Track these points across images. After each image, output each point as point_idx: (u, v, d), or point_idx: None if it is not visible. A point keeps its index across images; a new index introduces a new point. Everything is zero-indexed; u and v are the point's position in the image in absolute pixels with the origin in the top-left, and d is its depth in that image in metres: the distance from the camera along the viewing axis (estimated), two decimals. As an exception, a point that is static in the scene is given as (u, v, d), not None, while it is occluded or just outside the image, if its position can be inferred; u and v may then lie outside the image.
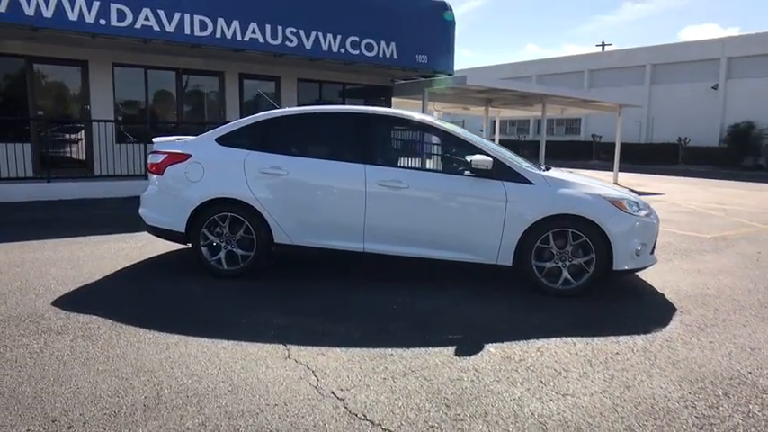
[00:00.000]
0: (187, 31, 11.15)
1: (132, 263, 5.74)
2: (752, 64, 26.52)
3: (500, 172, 4.80)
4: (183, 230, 5.20)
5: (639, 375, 3.29)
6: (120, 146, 12.16)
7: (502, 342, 3.76)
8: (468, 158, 4.73)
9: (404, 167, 5.10)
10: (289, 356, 3.43)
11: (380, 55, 13.71)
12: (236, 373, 3.17)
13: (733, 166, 25.63)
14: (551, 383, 3.16)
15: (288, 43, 12.38)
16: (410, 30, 14.03)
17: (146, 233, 7.12)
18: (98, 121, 11.91)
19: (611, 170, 20.17)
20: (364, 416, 2.74)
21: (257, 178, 5.04)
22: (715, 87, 27.85)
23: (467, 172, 4.88)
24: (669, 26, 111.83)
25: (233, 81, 14.30)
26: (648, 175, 22.59)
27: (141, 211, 5.52)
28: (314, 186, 5.06)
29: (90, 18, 10.21)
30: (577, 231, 4.71)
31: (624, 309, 4.62)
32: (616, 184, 15.69)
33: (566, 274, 4.78)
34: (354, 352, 3.53)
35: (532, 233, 4.74)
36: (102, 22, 10.32)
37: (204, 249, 5.17)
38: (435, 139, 5.39)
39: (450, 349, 3.61)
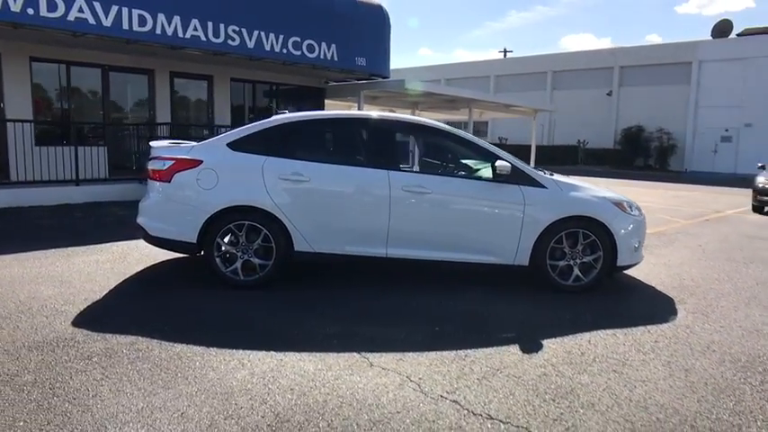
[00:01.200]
0: (125, 26, 10.41)
1: (125, 277, 5.34)
2: (640, 73, 29.49)
3: (517, 177, 5.07)
4: (195, 241, 4.95)
5: (689, 360, 3.68)
6: (41, 148, 11.08)
7: (553, 337, 4.02)
8: (494, 164, 4.96)
9: (426, 173, 5.23)
10: (372, 364, 3.44)
11: (321, 56, 13.64)
12: (333, 384, 3.14)
13: (627, 166, 28.32)
14: (623, 372, 3.45)
15: (230, 42, 11.94)
16: (349, 32, 14.08)
17: (113, 244, 6.71)
18: (14, 120, 10.76)
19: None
20: (489, 415, 2.85)
21: (277, 185, 4.92)
22: (609, 94, 30.61)
23: (484, 176, 5.11)
24: (551, 34, 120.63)
25: (164, 79, 13.54)
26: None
27: (142, 221, 5.16)
28: (337, 193, 5.03)
29: (16, 7, 9.22)
30: (588, 231, 5.10)
31: (632, 301, 5.10)
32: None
33: (576, 271, 5.15)
34: (430, 356, 3.61)
35: (547, 234, 5.06)
36: (30, 11, 9.36)
37: (218, 260, 4.95)
38: (452, 145, 5.55)
39: (515, 347, 3.80)
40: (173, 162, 4.99)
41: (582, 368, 3.49)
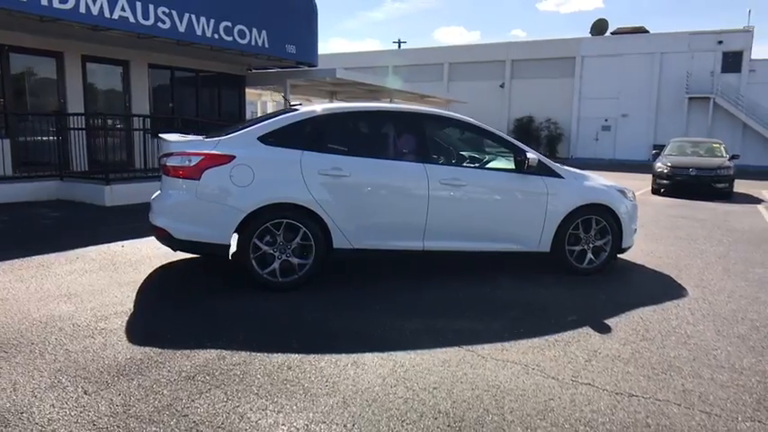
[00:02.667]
0: (43, 2, 9.22)
1: (136, 285, 4.86)
2: (530, 66, 31.71)
3: (540, 168, 5.35)
4: (229, 242, 4.64)
5: (734, 328, 4.19)
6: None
7: (611, 317, 4.35)
8: (523, 156, 5.18)
9: (460, 166, 5.32)
10: (483, 357, 3.51)
11: (252, 43, 13.09)
12: (466, 378, 3.18)
13: (520, 153, 30.46)
14: (693, 343, 3.86)
15: (160, 24, 11.07)
16: (280, 19, 13.65)
17: (83, 250, 6.07)
18: None
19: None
20: (629, 393, 3.07)
21: (316, 180, 4.74)
22: (502, 86, 32.57)
23: (506, 167, 5.33)
24: (425, 26, 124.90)
25: (74, 64, 12.17)
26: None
27: (163, 222, 4.70)
28: (378, 187, 4.96)
29: None
30: (600, 218, 5.52)
31: (641, 279, 5.64)
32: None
33: (590, 255, 5.58)
34: (524, 343, 3.76)
35: (567, 221, 5.41)
36: (-72, -20, 7.98)
37: (254, 262, 4.68)
38: (479, 139, 5.70)
39: (588, 330, 4.06)
40: (201, 158, 4.60)
41: (658, 343, 3.84)
